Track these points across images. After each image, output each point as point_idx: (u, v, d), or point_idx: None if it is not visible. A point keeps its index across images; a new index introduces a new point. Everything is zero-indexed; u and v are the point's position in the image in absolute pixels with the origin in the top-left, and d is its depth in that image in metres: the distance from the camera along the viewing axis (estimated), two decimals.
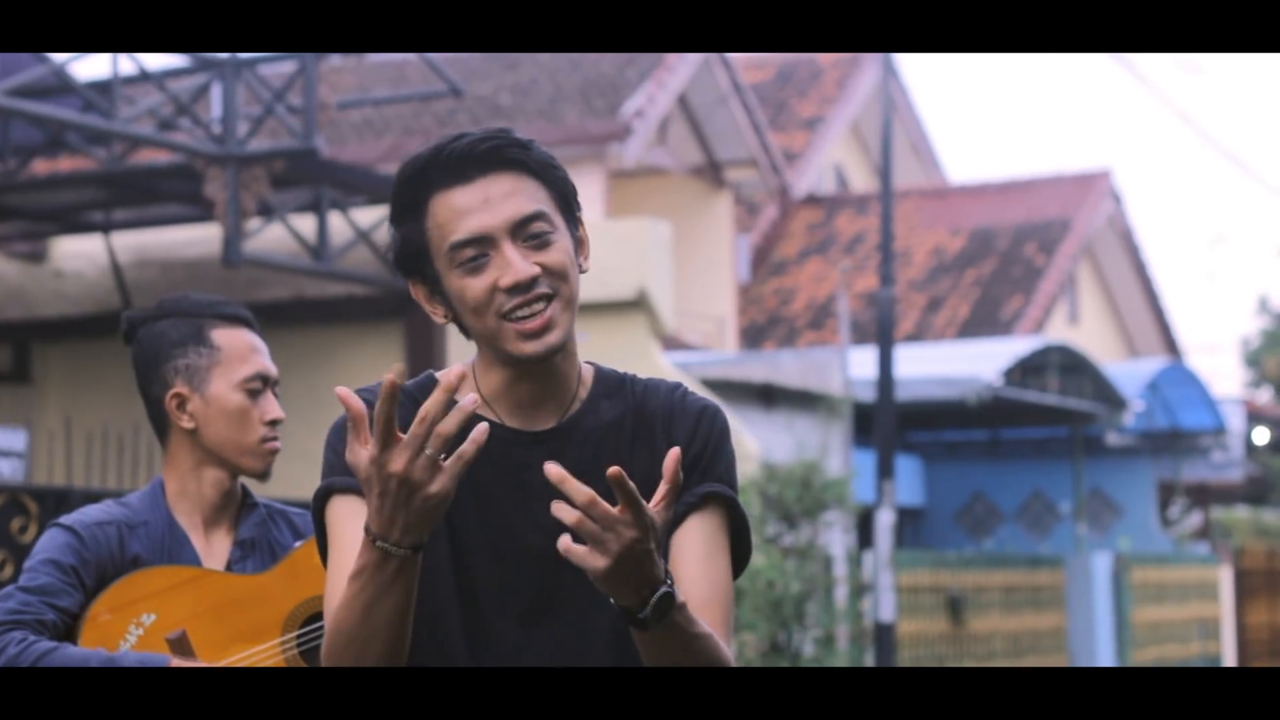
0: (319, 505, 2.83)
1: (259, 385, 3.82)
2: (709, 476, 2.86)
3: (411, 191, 2.79)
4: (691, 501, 2.83)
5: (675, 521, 2.83)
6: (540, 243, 2.76)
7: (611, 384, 2.91)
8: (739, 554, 2.89)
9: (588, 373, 2.91)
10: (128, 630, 3.63)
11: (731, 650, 2.84)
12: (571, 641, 2.81)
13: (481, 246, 2.75)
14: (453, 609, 2.81)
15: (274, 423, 3.83)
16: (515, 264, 2.73)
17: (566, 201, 2.83)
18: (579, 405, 2.87)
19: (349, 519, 2.77)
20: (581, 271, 2.83)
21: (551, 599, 2.81)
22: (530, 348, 2.76)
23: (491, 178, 2.76)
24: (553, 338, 2.77)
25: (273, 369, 3.86)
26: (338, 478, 2.80)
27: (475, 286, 2.75)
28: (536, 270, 2.74)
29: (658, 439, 2.86)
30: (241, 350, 3.82)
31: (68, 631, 3.61)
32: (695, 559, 2.82)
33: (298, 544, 3.82)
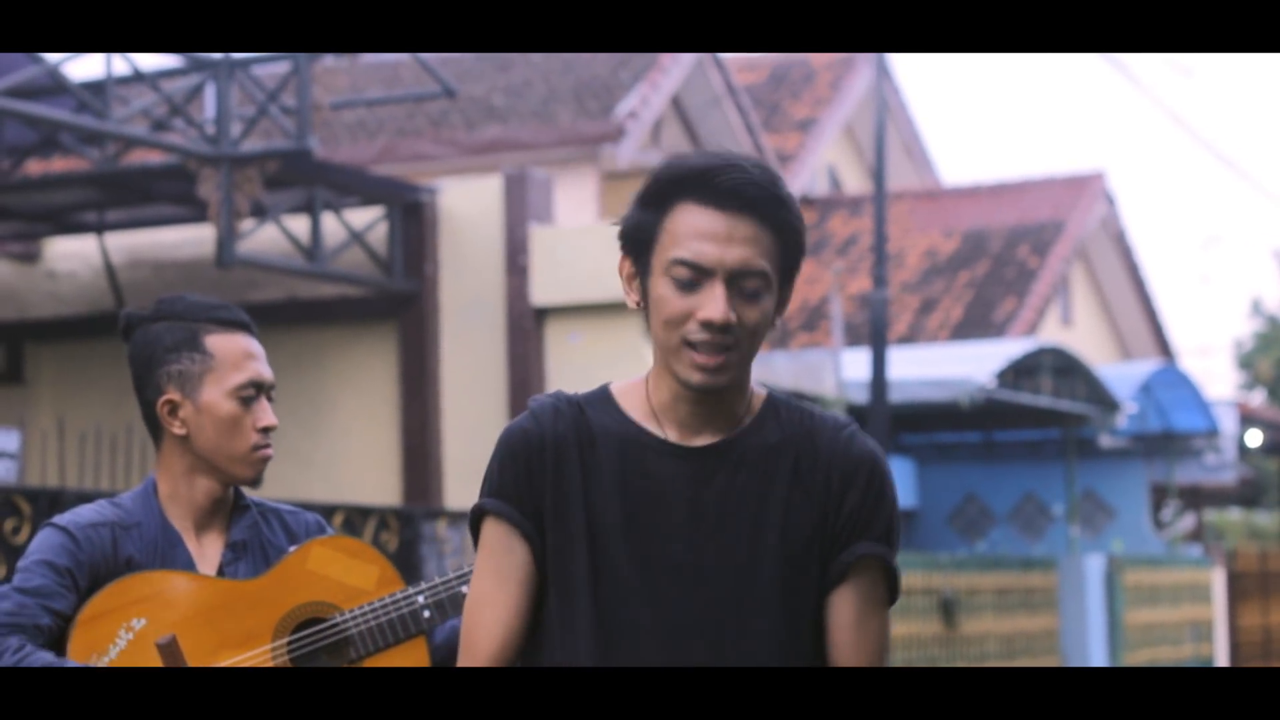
0: (475, 520, 2.94)
1: (252, 392, 3.80)
2: (868, 534, 2.91)
3: (669, 185, 2.84)
4: (848, 562, 2.89)
5: (831, 583, 2.89)
6: (749, 297, 2.83)
7: (781, 410, 2.96)
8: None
9: (759, 397, 2.96)
10: (118, 634, 3.62)
11: None
12: (697, 654, 2.83)
13: (699, 274, 2.81)
14: (587, 616, 2.85)
15: (267, 430, 3.81)
16: (719, 305, 2.80)
17: (791, 266, 2.91)
18: (743, 428, 2.92)
19: (494, 544, 2.91)
20: (770, 328, 2.90)
21: (689, 611, 2.83)
22: (698, 379, 2.83)
23: (742, 218, 2.82)
24: (721, 379, 2.84)
25: (268, 375, 3.84)
26: (491, 500, 2.91)
27: (676, 304, 2.82)
28: (733, 319, 2.81)
29: (817, 476, 2.90)
30: (236, 357, 3.80)
31: (62, 634, 3.60)
32: (847, 625, 2.89)
33: (291, 549, 3.81)
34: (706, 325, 2.80)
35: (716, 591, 2.80)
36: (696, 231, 2.80)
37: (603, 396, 2.95)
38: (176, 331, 3.79)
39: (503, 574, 2.88)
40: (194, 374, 3.76)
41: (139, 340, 3.82)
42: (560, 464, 2.88)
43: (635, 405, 2.92)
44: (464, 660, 2.88)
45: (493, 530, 2.91)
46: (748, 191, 2.81)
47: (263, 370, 3.82)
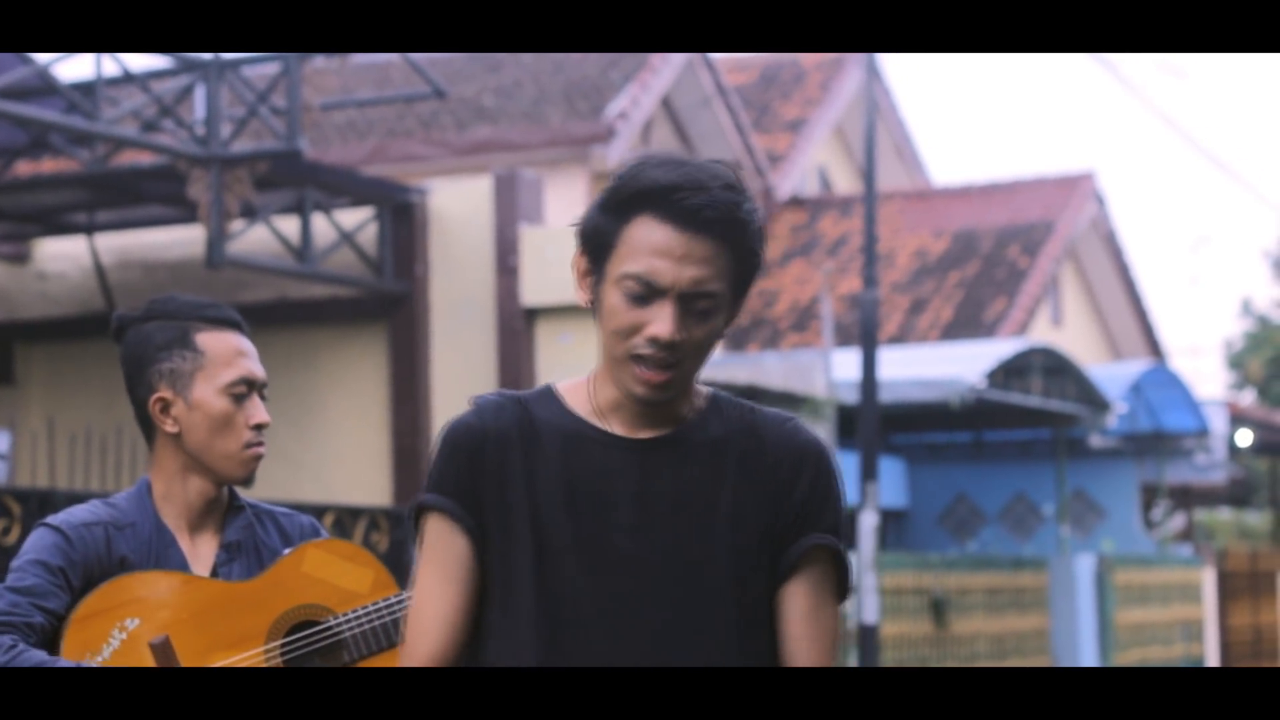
0: (415, 515, 2.93)
1: (244, 390, 3.79)
2: (818, 525, 2.93)
3: (631, 196, 2.83)
4: (798, 554, 2.90)
5: (782, 575, 2.89)
6: (700, 315, 2.84)
7: (724, 406, 2.97)
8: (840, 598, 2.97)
9: (703, 396, 2.97)
10: (111, 634, 3.62)
11: None
12: (646, 647, 2.82)
13: (651, 291, 2.80)
14: (530, 611, 2.84)
15: (259, 427, 3.81)
16: (668, 324, 2.80)
17: (747, 283, 2.90)
18: (687, 423, 2.92)
19: (436, 539, 2.89)
20: (719, 338, 2.90)
21: (637, 605, 2.83)
22: (641, 391, 2.84)
23: (700, 238, 2.81)
24: (664, 394, 2.85)
25: (260, 372, 3.84)
26: (432, 495, 2.90)
27: (626, 316, 2.82)
28: (681, 339, 2.81)
29: (765, 467, 2.91)
30: (226, 354, 3.79)
31: (55, 633, 3.59)
32: (801, 616, 2.89)
33: (286, 551, 3.81)
34: (654, 342, 2.80)
35: (665, 584, 2.80)
36: (653, 247, 2.80)
37: (547, 393, 2.95)
38: (167, 330, 3.79)
39: (445, 570, 2.87)
40: (185, 372, 3.76)
41: (131, 340, 3.82)
42: (503, 458, 2.87)
43: (579, 402, 2.92)
44: (405, 659, 2.87)
45: (434, 526, 2.89)
46: (707, 213, 2.80)
47: (254, 368, 3.82)
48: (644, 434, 2.89)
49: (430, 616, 2.86)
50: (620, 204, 2.83)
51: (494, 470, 2.87)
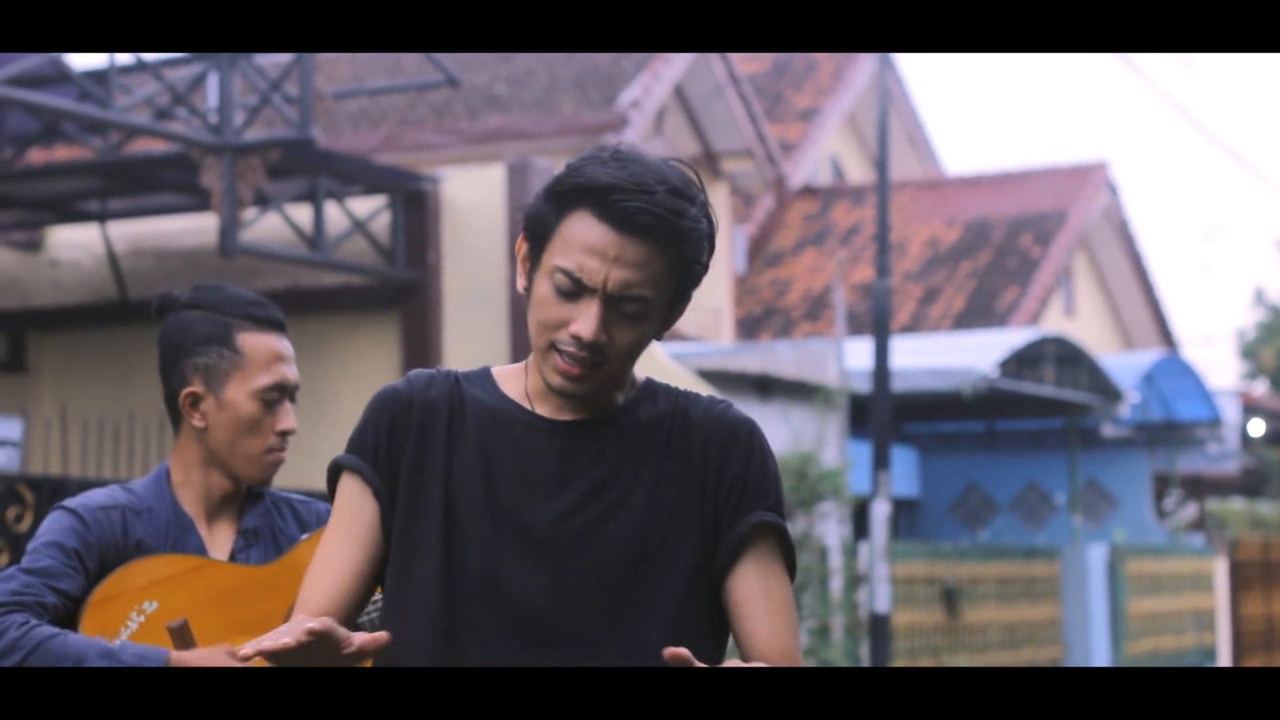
0: (331, 475, 2.94)
1: (276, 395, 3.77)
2: (758, 504, 2.88)
3: (574, 188, 2.79)
4: (743, 533, 2.86)
5: (728, 556, 2.86)
6: (627, 319, 2.80)
7: (659, 392, 2.94)
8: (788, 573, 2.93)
9: (636, 385, 2.94)
10: (129, 617, 3.62)
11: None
12: (565, 640, 2.79)
13: (579, 287, 2.77)
14: (429, 584, 2.82)
15: (285, 434, 3.80)
16: (591, 324, 2.77)
17: (683, 291, 2.86)
18: (616, 408, 2.90)
19: (345, 499, 2.91)
20: (648, 342, 2.86)
21: (536, 578, 2.80)
22: (557, 382, 2.81)
23: (635, 242, 2.77)
24: (582, 389, 2.82)
25: (294, 378, 3.81)
26: (347, 456, 2.92)
27: (553, 309, 2.79)
28: (603, 340, 2.78)
29: (693, 446, 2.88)
30: (265, 358, 3.77)
31: (69, 615, 3.59)
32: (755, 594, 2.86)
33: (303, 536, 3.81)
34: (575, 340, 2.77)
35: (581, 563, 2.78)
36: (586, 245, 2.76)
37: (484, 375, 2.94)
38: (210, 324, 3.76)
39: (349, 530, 2.88)
40: (221, 370, 3.74)
41: (171, 325, 3.79)
42: (426, 428, 2.87)
43: (514, 386, 2.91)
44: (295, 612, 2.86)
45: (346, 485, 2.90)
46: (644, 218, 2.75)
47: (289, 373, 3.80)
48: (569, 417, 2.87)
49: (327, 574, 2.87)
50: (562, 195, 2.80)
51: (415, 438, 2.87)
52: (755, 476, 2.88)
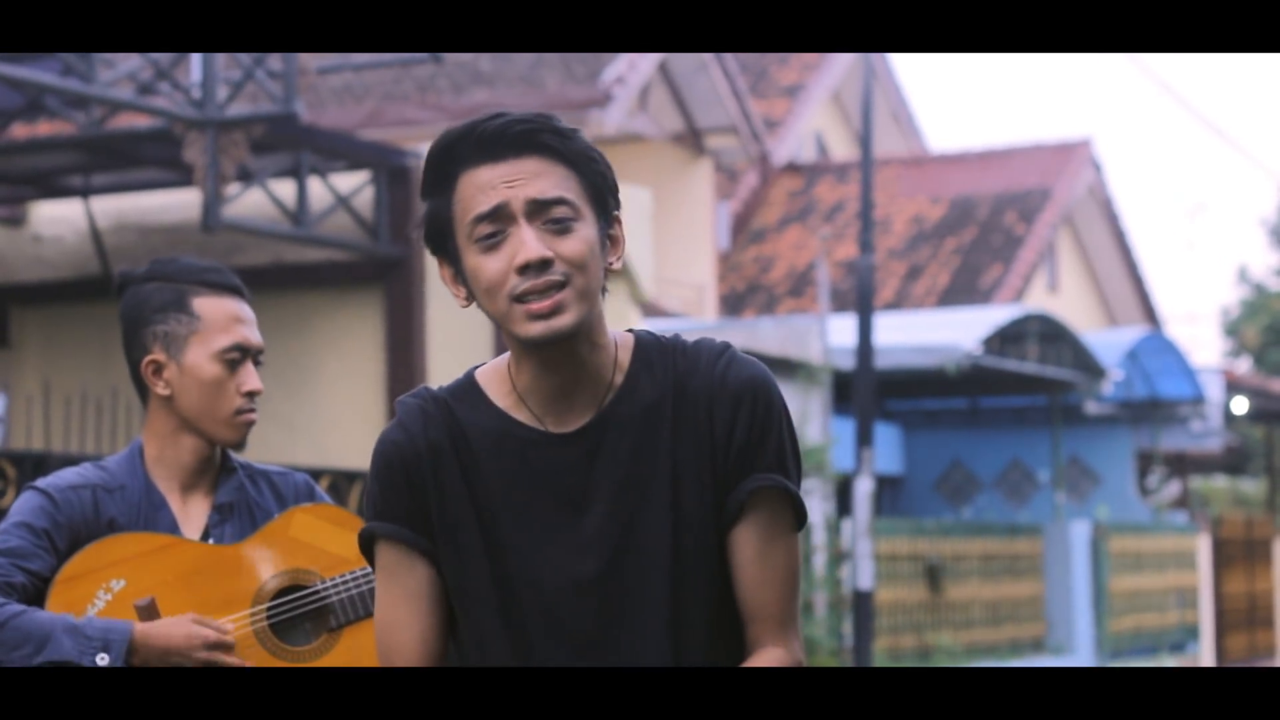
0: (365, 545, 2.83)
1: (237, 356, 3.79)
2: (757, 465, 2.79)
3: (442, 166, 2.74)
4: (741, 499, 2.78)
5: (729, 521, 2.79)
6: (561, 229, 2.69)
7: (653, 355, 2.83)
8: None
9: (626, 349, 2.83)
10: (96, 595, 3.63)
11: (798, 644, 2.83)
12: (592, 621, 2.76)
13: (499, 223, 2.68)
14: (500, 637, 2.77)
15: (251, 394, 3.80)
16: (529, 244, 2.66)
17: (601, 195, 2.76)
18: (614, 394, 2.79)
19: (393, 566, 2.79)
20: (610, 269, 2.77)
21: (593, 605, 2.76)
22: (537, 329, 2.68)
23: (522, 160, 2.70)
24: (560, 322, 2.68)
25: (255, 339, 3.83)
26: (379, 523, 2.80)
27: (490, 266, 2.68)
28: (549, 254, 2.67)
29: (700, 423, 2.79)
30: (223, 320, 3.79)
31: (38, 594, 3.61)
32: (751, 560, 2.79)
33: (275, 515, 3.81)
34: (524, 269, 2.66)
35: (625, 570, 2.72)
36: (480, 187, 2.69)
37: (468, 387, 2.82)
38: (165, 292, 3.78)
39: (409, 594, 2.77)
40: (180, 335, 3.76)
41: (129, 299, 3.82)
42: (439, 473, 2.76)
43: (502, 393, 2.79)
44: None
45: (388, 553, 2.78)
46: (514, 129, 2.70)
47: (250, 335, 3.81)
48: (574, 420, 2.77)
49: (407, 640, 2.78)
50: (438, 177, 2.74)
51: (433, 487, 2.77)
52: (755, 437, 2.79)
